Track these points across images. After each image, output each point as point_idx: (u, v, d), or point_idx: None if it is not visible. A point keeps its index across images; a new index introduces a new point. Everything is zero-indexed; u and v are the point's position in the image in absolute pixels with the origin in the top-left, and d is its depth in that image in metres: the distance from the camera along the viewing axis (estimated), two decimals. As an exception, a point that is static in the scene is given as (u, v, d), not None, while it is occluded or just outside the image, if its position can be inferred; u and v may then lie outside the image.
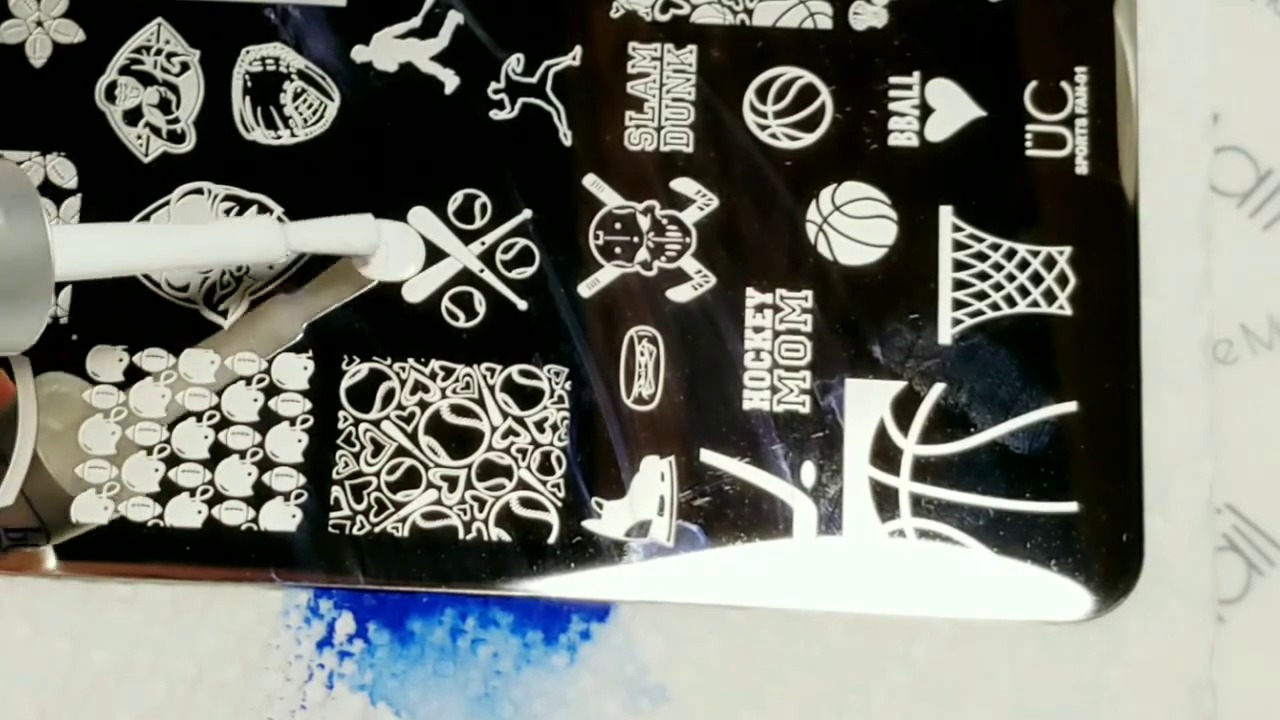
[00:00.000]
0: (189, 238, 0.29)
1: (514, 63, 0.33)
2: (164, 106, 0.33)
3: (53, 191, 0.32)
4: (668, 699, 0.31)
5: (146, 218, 0.32)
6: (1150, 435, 0.32)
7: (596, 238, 0.32)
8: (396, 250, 0.32)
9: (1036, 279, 0.32)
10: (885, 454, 0.32)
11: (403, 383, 0.32)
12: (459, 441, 0.32)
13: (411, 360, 0.32)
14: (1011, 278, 0.32)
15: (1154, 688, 0.31)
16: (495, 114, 0.33)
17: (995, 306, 0.32)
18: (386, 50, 0.33)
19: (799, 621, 0.31)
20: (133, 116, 0.33)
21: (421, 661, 0.31)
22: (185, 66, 0.33)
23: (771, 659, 0.31)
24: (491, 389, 0.32)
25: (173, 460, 0.31)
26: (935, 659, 0.31)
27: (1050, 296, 0.32)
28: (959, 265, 0.32)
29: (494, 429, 0.32)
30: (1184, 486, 0.32)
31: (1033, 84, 0.33)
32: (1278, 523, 0.32)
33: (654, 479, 0.31)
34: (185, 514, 0.31)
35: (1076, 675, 0.31)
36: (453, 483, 0.31)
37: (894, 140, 0.33)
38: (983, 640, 0.31)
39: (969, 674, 0.31)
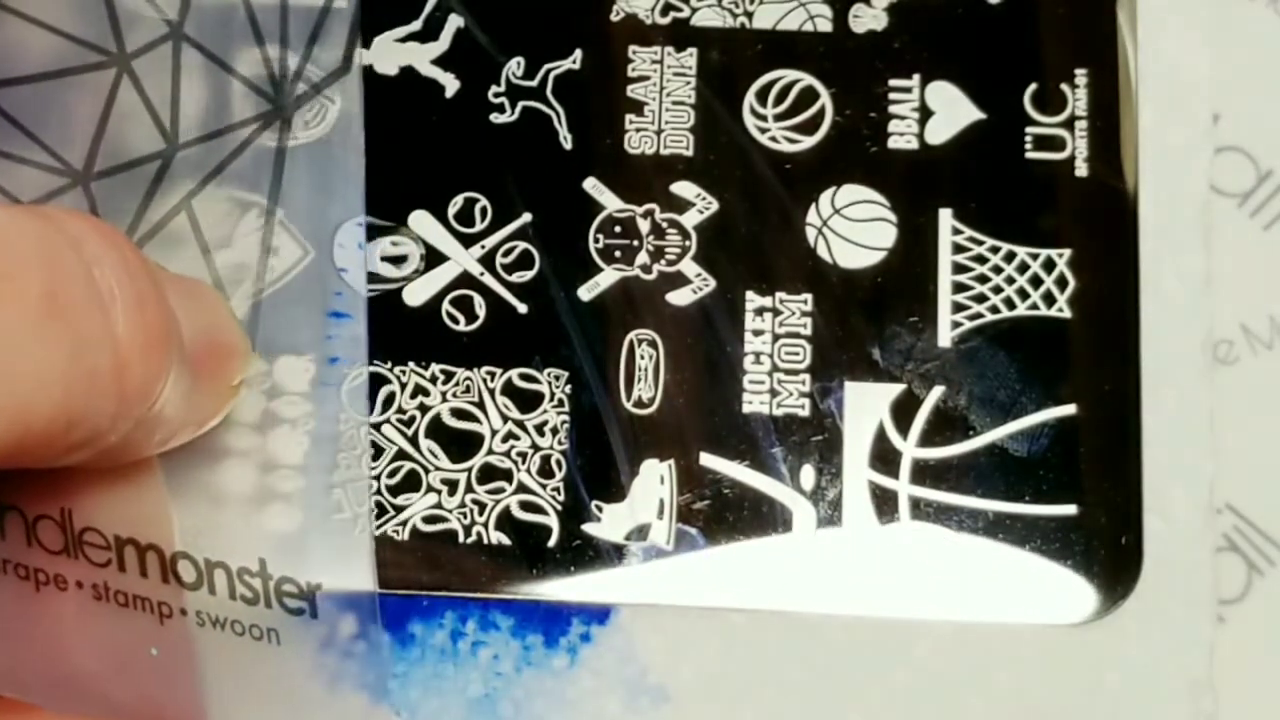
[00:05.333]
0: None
1: (514, 66, 0.33)
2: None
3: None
4: (668, 699, 0.31)
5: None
6: (1150, 436, 0.32)
7: (596, 241, 0.33)
8: None
9: (1036, 281, 0.32)
10: (885, 457, 0.32)
11: (403, 386, 0.32)
12: (459, 445, 0.32)
13: (412, 364, 0.32)
14: (1011, 280, 0.32)
15: (1155, 689, 0.31)
16: (495, 117, 0.33)
17: (995, 309, 0.32)
18: (387, 54, 0.33)
19: (799, 623, 0.31)
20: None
21: (422, 663, 0.31)
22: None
23: (772, 660, 0.31)
24: (492, 392, 0.32)
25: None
26: (936, 662, 0.31)
27: (1050, 299, 0.32)
28: (958, 268, 0.32)
29: (494, 432, 0.32)
30: (1184, 487, 0.32)
31: (1032, 86, 0.33)
32: (1278, 523, 0.32)
33: (654, 482, 0.31)
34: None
35: (1077, 677, 0.31)
36: (453, 486, 0.31)
37: (894, 143, 0.33)
38: (983, 642, 0.31)
39: (970, 676, 0.31)
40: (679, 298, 0.32)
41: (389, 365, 0.32)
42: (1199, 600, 0.31)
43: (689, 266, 0.32)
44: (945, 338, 0.32)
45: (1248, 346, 0.33)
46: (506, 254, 0.32)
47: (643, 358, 0.32)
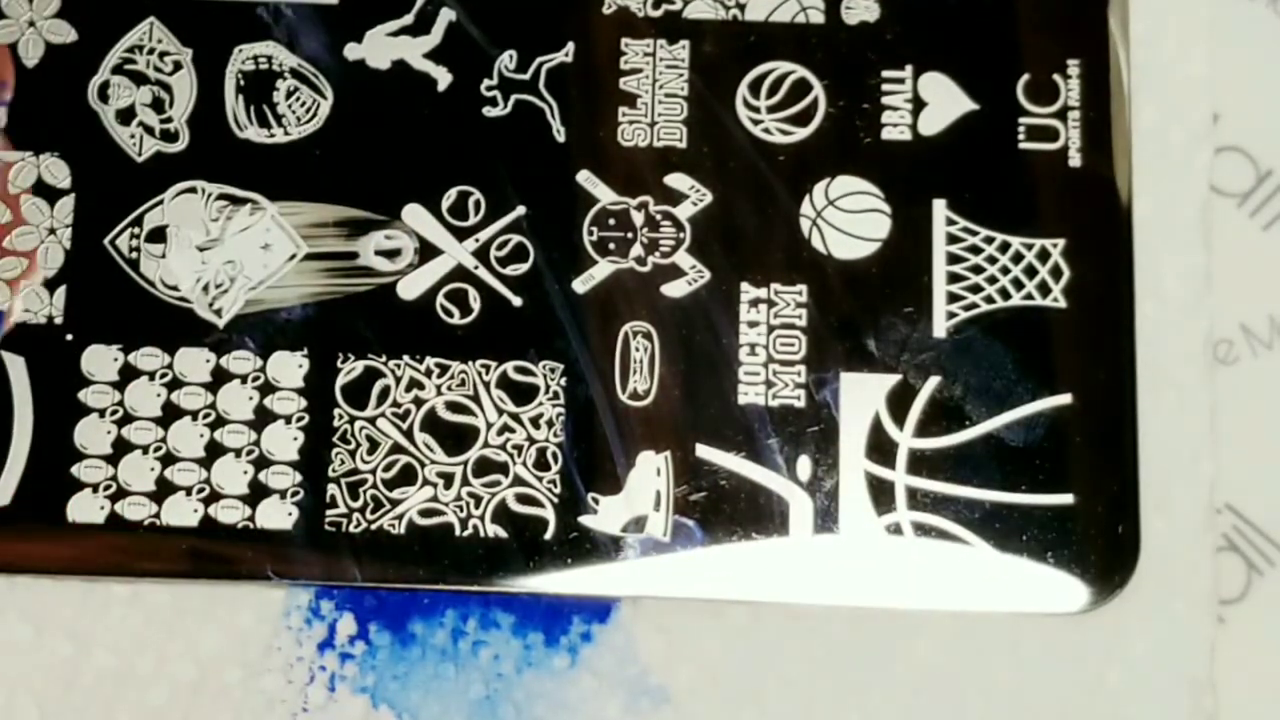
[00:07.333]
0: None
1: (507, 59, 0.33)
2: (157, 105, 0.33)
3: (47, 191, 0.32)
4: (668, 699, 0.31)
5: (140, 217, 0.32)
6: (1150, 435, 0.32)
7: (590, 234, 0.32)
8: None
9: (1030, 272, 0.32)
10: (881, 447, 0.32)
11: (398, 380, 0.32)
12: (454, 438, 0.32)
13: (406, 357, 0.32)
14: (1005, 270, 0.32)
15: (1155, 687, 0.31)
16: (488, 111, 0.33)
17: (989, 299, 0.32)
18: (379, 48, 0.33)
19: (798, 617, 0.31)
20: (126, 116, 0.33)
21: (423, 663, 0.31)
22: (178, 65, 0.33)
23: (772, 657, 0.31)
24: (487, 385, 0.32)
25: (168, 459, 0.31)
26: (934, 652, 0.31)
27: (1044, 289, 0.32)
28: (953, 258, 0.32)
29: (489, 425, 0.32)
30: (1183, 486, 0.32)
31: (1025, 77, 0.33)
32: (1278, 523, 0.32)
33: (650, 474, 0.31)
34: (181, 513, 0.31)
35: (1077, 674, 0.31)
36: (449, 479, 0.31)
37: (887, 134, 0.33)
38: (981, 633, 0.31)
39: (968, 667, 0.31)
40: (673, 290, 0.32)
41: (384, 359, 0.32)
42: (1199, 599, 0.31)
43: (683, 259, 0.32)
44: (940, 328, 0.32)
45: (1248, 346, 0.33)
46: (500, 247, 0.32)
47: (638, 350, 0.32)
